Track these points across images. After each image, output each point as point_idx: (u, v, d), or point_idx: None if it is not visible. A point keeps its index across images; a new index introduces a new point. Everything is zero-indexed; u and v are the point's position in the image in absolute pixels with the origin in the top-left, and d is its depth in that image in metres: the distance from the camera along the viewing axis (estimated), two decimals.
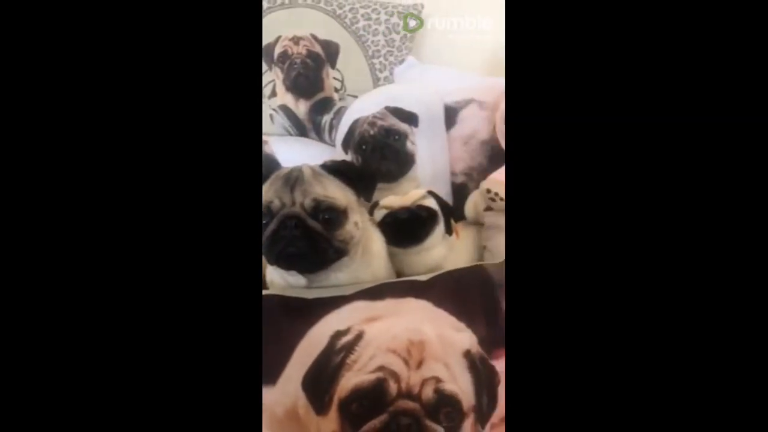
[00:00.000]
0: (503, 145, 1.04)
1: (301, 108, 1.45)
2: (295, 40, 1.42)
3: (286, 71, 1.41)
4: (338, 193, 0.76)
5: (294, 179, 0.75)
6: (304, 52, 1.42)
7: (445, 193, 1.19)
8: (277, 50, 1.42)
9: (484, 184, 1.02)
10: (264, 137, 1.12)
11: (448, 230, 0.97)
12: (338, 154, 1.20)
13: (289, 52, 1.42)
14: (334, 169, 0.79)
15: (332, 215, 0.74)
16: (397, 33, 1.41)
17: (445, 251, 0.97)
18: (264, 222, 0.74)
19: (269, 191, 0.75)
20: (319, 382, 0.68)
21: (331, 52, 1.43)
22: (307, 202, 0.74)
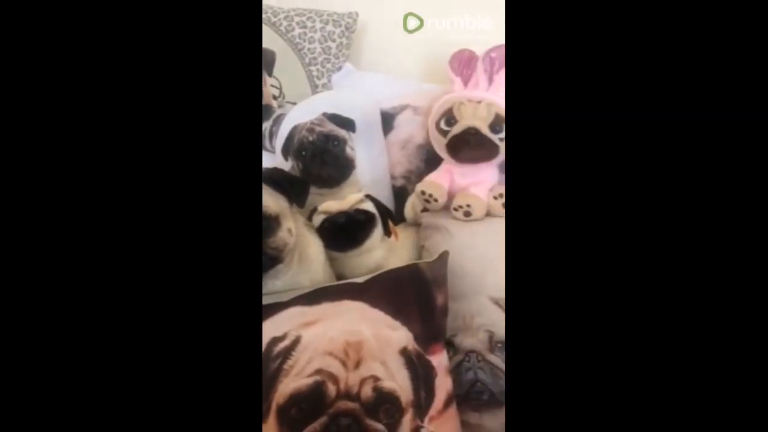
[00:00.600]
0: (436, 148, 1.07)
1: None
2: None
3: None
4: (269, 200, 0.77)
5: None
6: None
7: (386, 197, 1.21)
8: None
9: (419, 186, 1.05)
10: None
11: (386, 232, 0.99)
12: (278, 161, 1.20)
13: None
14: (266, 176, 0.79)
15: (263, 223, 0.74)
16: (333, 41, 1.43)
17: (384, 253, 0.99)
18: None
19: None
20: None
21: (267, 60, 1.42)
22: None
